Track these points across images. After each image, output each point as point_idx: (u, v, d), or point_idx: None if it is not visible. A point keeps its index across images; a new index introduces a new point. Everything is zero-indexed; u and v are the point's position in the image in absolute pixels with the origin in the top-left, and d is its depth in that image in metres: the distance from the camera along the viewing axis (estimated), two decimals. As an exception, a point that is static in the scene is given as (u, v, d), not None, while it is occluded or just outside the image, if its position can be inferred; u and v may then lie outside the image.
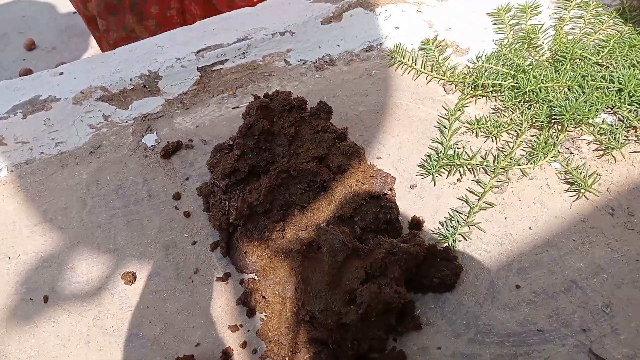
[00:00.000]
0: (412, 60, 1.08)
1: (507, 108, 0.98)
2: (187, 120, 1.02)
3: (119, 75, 1.09)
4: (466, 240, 0.81)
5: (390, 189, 0.85)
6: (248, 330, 0.75)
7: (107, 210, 0.90)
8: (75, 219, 0.90)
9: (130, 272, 0.82)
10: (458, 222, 0.83)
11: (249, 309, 0.76)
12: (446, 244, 0.80)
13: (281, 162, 0.84)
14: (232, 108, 1.04)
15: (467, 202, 0.85)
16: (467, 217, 0.83)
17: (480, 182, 0.88)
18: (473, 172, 0.89)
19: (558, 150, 0.90)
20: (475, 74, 1.02)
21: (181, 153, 0.97)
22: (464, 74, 1.04)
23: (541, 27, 1.09)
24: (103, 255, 0.85)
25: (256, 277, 0.78)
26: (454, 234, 0.81)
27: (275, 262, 0.76)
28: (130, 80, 1.08)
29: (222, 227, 0.82)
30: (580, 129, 0.93)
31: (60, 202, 0.92)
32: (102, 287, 0.82)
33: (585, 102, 0.93)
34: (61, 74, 1.11)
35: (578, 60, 1.01)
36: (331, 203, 0.82)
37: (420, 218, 0.83)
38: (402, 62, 1.08)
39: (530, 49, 1.06)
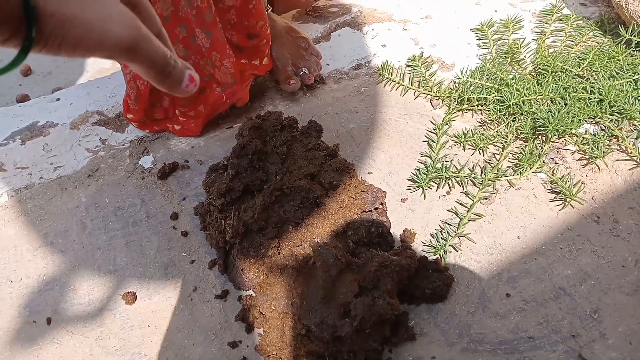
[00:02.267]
0: (400, 76, 1.11)
1: (493, 121, 1.01)
2: (182, 142, 1.05)
3: (114, 100, 1.12)
4: (457, 251, 0.83)
5: (382, 203, 0.87)
6: (247, 346, 0.77)
7: (106, 232, 0.92)
8: (75, 242, 0.92)
9: (130, 292, 0.84)
10: (448, 233, 0.85)
11: (248, 325, 0.78)
12: (437, 256, 0.82)
13: (274, 180, 0.87)
14: (226, 128, 1.07)
15: (456, 213, 0.88)
16: (457, 228, 0.86)
17: (468, 194, 0.90)
18: (462, 184, 0.92)
19: (543, 161, 0.93)
20: (460, 88, 1.06)
21: (177, 174, 1.00)
22: (450, 89, 1.07)
23: (523, 41, 1.13)
24: (104, 277, 0.87)
25: (254, 294, 0.80)
26: (445, 245, 0.83)
27: (272, 278, 0.78)
28: (126, 104, 1.10)
29: (219, 245, 0.84)
30: (564, 139, 0.96)
31: (61, 225, 0.94)
32: (104, 308, 0.83)
33: (568, 113, 0.96)
34: (58, 99, 1.14)
35: (560, 72, 1.04)
36: (324, 219, 0.84)
37: (412, 231, 0.85)
38: (390, 79, 1.11)
39: (513, 63, 1.10)
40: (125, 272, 0.87)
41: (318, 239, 0.82)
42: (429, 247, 0.84)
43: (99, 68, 1.54)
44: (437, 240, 0.84)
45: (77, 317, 0.83)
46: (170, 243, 0.90)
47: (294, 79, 1.07)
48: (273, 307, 0.76)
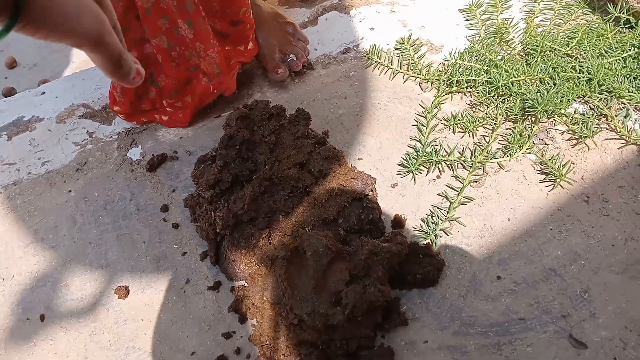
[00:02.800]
0: (389, 60, 1.10)
1: (482, 103, 1.00)
2: (171, 132, 1.04)
3: (100, 92, 1.10)
4: (447, 235, 0.83)
5: (372, 190, 0.87)
6: (241, 336, 0.77)
7: (97, 226, 0.92)
8: (66, 237, 0.92)
9: (123, 286, 0.84)
10: (439, 217, 0.85)
11: (241, 315, 0.78)
12: (428, 240, 0.82)
13: (263, 170, 0.87)
14: (215, 117, 1.06)
15: (447, 197, 0.88)
16: (448, 212, 0.86)
17: (459, 178, 0.90)
18: (452, 167, 0.92)
19: (533, 142, 0.93)
20: (449, 71, 1.05)
21: (166, 165, 0.99)
22: (439, 71, 1.06)
23: (512, 21, 1.12)
24: (95, 271, 0.87)
25: (246, 284, 0.80)
26: (435, 229, 0.83)
27: (263, 268, 0.78)
28: (112, 95, 1.09)
29: (209, 237, 0.84)
30: (553, 119, 0.96)
31: (51, 220, 0.94)
32: (97, 303, 0.84)
33: (557, 93, 0.96)
34: (43, 93, 1.12)
35: (548, 52, 1.04)
36: (315, 207, 0.84)
37: (402, 216, 0.86)
38: (379, 63, 1.10)
39: (502, 43, 1.09)
40: (117, 266, 0.87)
41: (308, 228, 0.82)
42: (419, 232, 0.84)
43: (85, 58, 1.52)
44: (428, 225, 0.84)
45: (71, 313, 0.83)
46: (161, 236, 0.90)
47: (281, 68, 1.05)
48: (265, 298, 0.76)
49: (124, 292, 0.83)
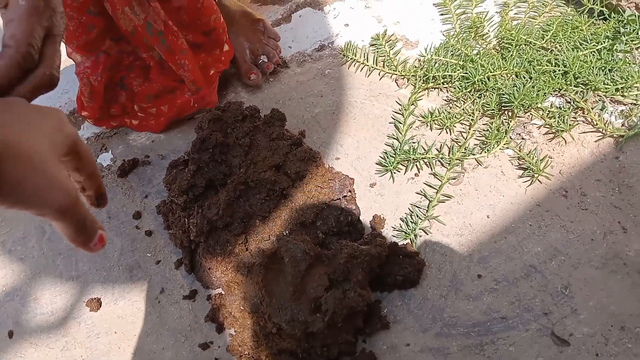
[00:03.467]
0: (364, 56, 1.08)
1: (459, 98, 0.99)
2: (142, 136, 1.01)
3: (67, 96, 1.07)
4: (427, 234, 0.82)
5: (350, 191, 0.85)
6: (219, 347, 0.75)
7: (66, 237, 0.88)
8: (34, 248, 0.88)
9: (95, 298, 0.81)
10: (418, 217, 0.84)
11: (218, 325, 0.76)
12: (407, 241, 0.81)
13: (238, 173, 0.84)
14: (187, 119, 1.03)
15: (425, 196, 0.87)
16: (427, 211, 0.84)
17: (437, 175, 0.89)
18: (430, 165, 0.91)
19: (510, 137, 0.92)
20: (425, 66, 1.03)
21: (138, 170, 0.96)
22: (415, 67, 1.05)
23: (486, 15, 1.11)
24: (66, 284, 0.84)
25: (223, 293, 0.78)
26: (415, 229, 0.82)
27: (239, 276, 0.76)
28: (80, 99, 1.05)
29: (183, 244, 0.81)
30: (530, 113, 0.95)
31: (19, 231, 0.90)
32: (68, 317, 0.81)
33: (533, 87, 0.95)
34: (7, 98, 1.08)
35: (524, 45, 1.03)
36: (292, 211, 0.82)
37: (381, 216, 0.84)
38: (355, 60, 1.08)
39: (478, 37, 1.08)
40: (88, 277, 0.84)
41: (286, 232, 0.80)
42: (399, 232, 0.83)
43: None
44: (407, 225, 0.83)
45: (41, 328, 0.80)
46: (134, 244, 0.87)
47: (254, 73, 1.03)
48: (242, 307, 0.74)
49: (96, 304, 0.80)
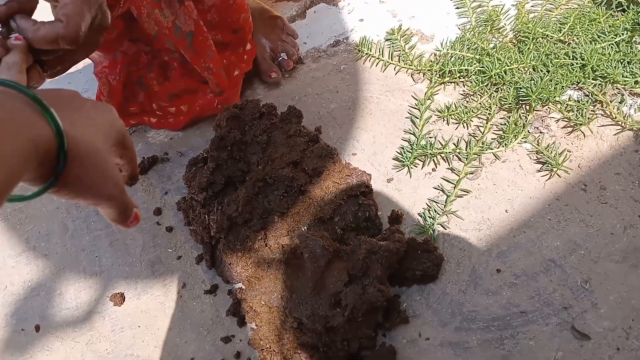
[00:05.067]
0: (379, 51, 1.08)
1: (475, 93, 0.99)
2: (160, 134, 1.02)
3: (87, 95, 1.08)
4: (445, 229, 0.83)
5: (367, 186, 0.86)
6: (240, 340, 0.76)
7: (89, 233, 0.90)
8: (58, 244, 0.90)
9: (118, 293, 0.83)
10: (436, 212, 0.84)
11: (239, 319, 0.77)
12: (426, 236, 0.81)
13: (257, 170, 0.85)
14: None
15: (443, 191, 0.87)
16: (445, 206, 0.85)
17: (454, 170, 0.89)
18: (447, 160, 0.91)
19: (528, 131, 0.92)
20: (441, 61, 1.03)
21: (158, 167, 0.98)
22: (431, 61, 1.05)
23: (502, 8, 1.10)
24: (90, 279, 0.85)
25: (243, 287, 0.79)
26: (433, 224, 0.82)
27: (260, 272, 0.77)
28: (100, 98, 1.07)
29: (204, 241, 0.83)
30: (548, 107, 0.95)
31: (42, 228, 0.92)
32: (92, 311, 0.82)
33: (551, 80, 0.94)
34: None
35: (541, 39, 1.02)
36: (310, 207, 0.83)
37: (399, 212, 0.84)
38: (370, 55, 1.08)
39: (494, 31, 1.07)
40: (111, 272, 0.85)
41: (304, 228, 0.81)
42: (417, 227, 0.83)
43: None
44: (425, 220, 0.83)
45: (66, 322, 0.82)
46: (155, 240, 0.88)
47: (275, 71, 1.04)
48: (263, 302, 0.75)
49: (120, 299, 0.82)
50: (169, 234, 0.88)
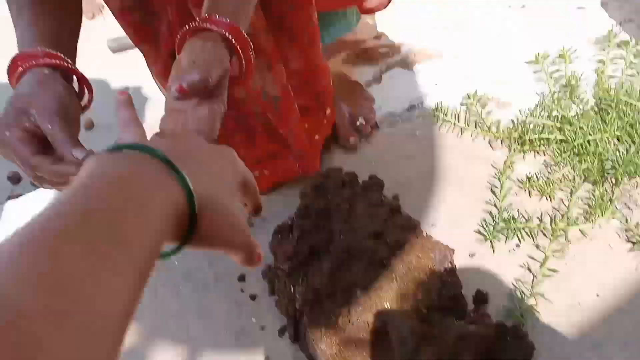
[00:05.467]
0: (455, 117, 1.09)
1: (558, 163, 0.98)
2: (242, 198, 1.05)
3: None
4: (534, 313, 0.81)
5: (450, 262, 0.86)
6: (325, 419, 0.77)
7: (177, 297, 0.93)
8: (147, 308, 0.93)
9: (204, 361, 0.85)
10: (523, 293, 0.83)
11: (325, 397, 0.78)
12: (514, 320, 0.80)
13: (339, 240, 0.86)
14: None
15: (529, 269, 0.86)
16: (532, 287, 0.83)
17: (539, 247, 0.88)
18: (531, 235, 0.89)
19: (615, 206, 0.90)
20: (520, 128, 1.03)
21: (240, 232, 1.00)
22: (509, 128, 1.04)
23: (582, 74, 1.09)
24: (178, 346, 0.88)
25: (328, 364, 0.80)
26: (521, 308, 0.81)
27: (346, 352, 0.78)
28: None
29: (289, 314, 0.84)
30: (635, 181, 0.92)
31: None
32: (180, 379, 0.85)
33: (638, 152, 0.92)
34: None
35: (623, 107, 1.00)
36: (393, 281, 0.83)
37: (484, 292, 0.84)
38: (445, 120, 1.09)
39: (574, 97, 1.06)
40: (197, 341, 0.88)
41: (387, 304, 0.81)
42: (504, 310, 0.82)
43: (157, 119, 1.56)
44: (512, 302, 0.82)
45: (156, 390, 0.84)
46: (239, 307, 0.90)
47: (353, 136, 1.06)
48: (352, 384, 0.75)
49: (207, 368, 0.84)
50: (253, 302, 0.91)
